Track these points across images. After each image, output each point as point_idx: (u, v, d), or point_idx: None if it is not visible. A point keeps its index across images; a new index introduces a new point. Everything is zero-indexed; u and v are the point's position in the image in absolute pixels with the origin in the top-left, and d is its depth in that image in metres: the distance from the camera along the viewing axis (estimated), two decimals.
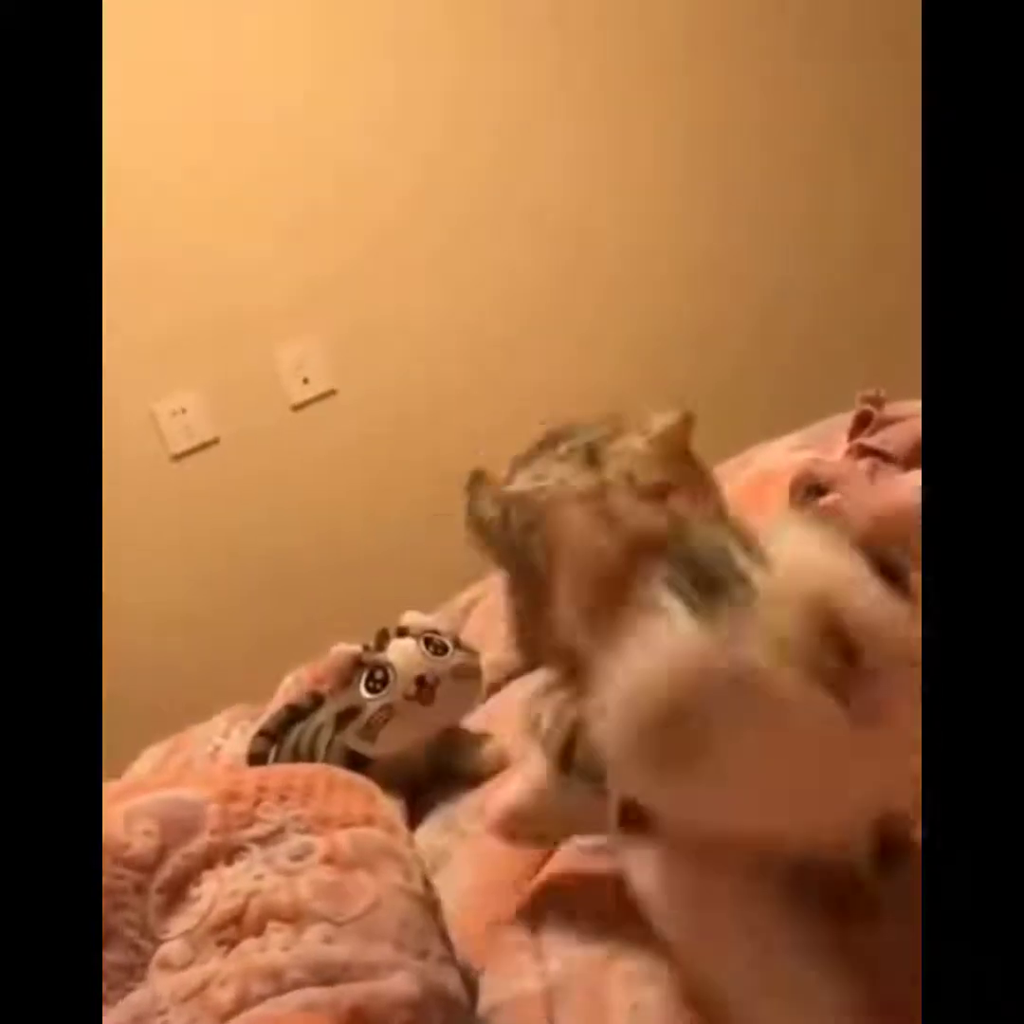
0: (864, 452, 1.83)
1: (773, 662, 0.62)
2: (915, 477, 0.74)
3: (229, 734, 2.00)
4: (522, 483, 0.86)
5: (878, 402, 1.95)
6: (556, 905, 0.90)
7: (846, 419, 2.05)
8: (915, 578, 0.71)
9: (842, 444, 1.99)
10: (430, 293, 2.94)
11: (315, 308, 2.88)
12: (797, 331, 3.07)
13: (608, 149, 3.00)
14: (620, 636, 0.68)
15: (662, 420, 0.87)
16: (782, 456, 2.19)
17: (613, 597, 0.77)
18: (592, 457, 0.86)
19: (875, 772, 0.66)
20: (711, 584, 0.66)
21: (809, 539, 0.70)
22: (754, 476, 2.17)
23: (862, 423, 1.94)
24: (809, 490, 1.51)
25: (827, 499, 1.44)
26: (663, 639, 0.65)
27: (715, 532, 0.72)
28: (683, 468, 0.86)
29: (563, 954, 0.84)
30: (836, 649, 0.63)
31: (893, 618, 0.64)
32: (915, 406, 1.91)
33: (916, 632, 0.61)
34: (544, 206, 2.99)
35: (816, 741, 0.63)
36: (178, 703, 2.29)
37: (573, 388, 2.85)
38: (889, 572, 0.69)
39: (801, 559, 0.68)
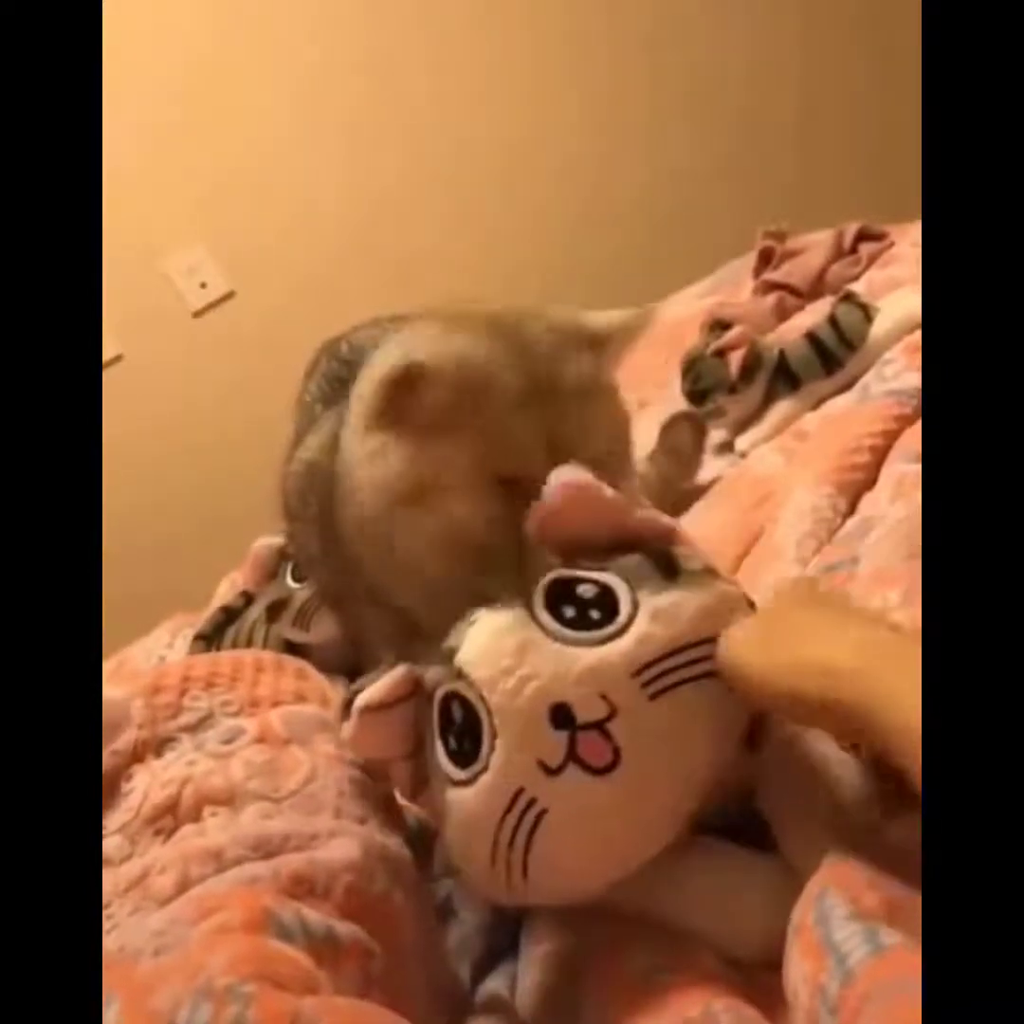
0: (770, 287, 1.83)
1: None
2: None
3: (173, 645, 1.99)
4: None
5: (780, 237, 1.95)
6: None
7: (750, 259, 2.05)
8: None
9: (748, 283, 1.98)
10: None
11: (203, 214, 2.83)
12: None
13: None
14: None
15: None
16: (691, 304, 2.19)
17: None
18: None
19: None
20: None
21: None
22: (666, 326, 2.16)
23: (765, 259, 1.93)
24: (715, 327, 1.51)
25: (732, 332, 1.44)
26: None
27: None
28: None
29: None
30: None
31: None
32: (815, 237, 1.90)
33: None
34: (429, 100, 2.93)
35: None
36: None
37: (474, 271, 2.83)
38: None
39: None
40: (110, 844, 0.71)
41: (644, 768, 0.66)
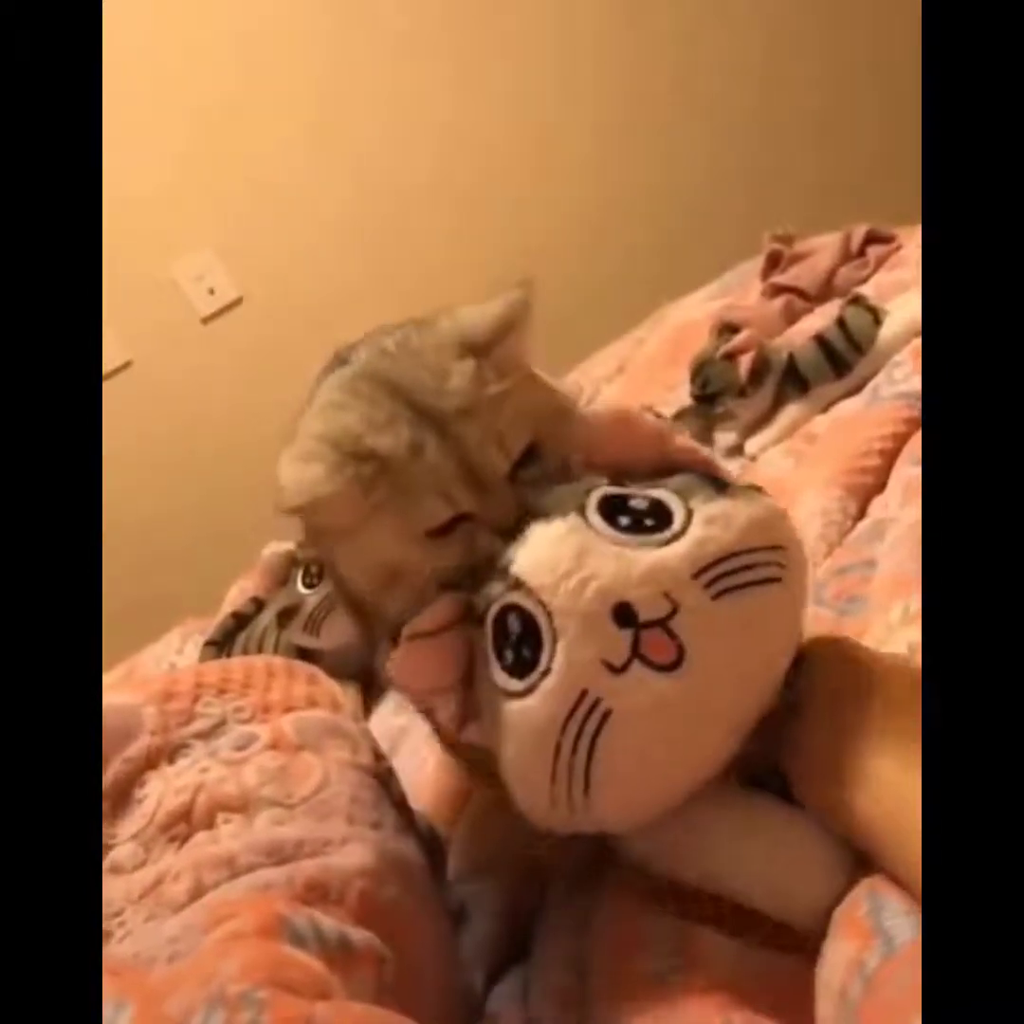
0: (777, 291, 1.83)
1: None
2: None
3: (183, 650, 2.00)
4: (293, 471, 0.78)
5: (787, 240, 1.94)
6: None
7: (758, 263, 2.04)
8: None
9: (756, 287, 1.98)
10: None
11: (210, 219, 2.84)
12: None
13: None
14: None
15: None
16: (698, 307, 2.18)
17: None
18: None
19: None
20: None
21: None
22: (674, 329, 2.16)
23: (773, 263, 1.93)
24: (723, 330, 1.51)
25: (741, 336, 1.43)
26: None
27: None
28: None
29: None
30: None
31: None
32: (823, 240, 1.90)
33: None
34: (441, 103, 2.93)
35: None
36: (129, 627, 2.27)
37: (486, 275, 2.82)
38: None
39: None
40: (124, 851, 0.71)
41: (708, 665, 0.65)
